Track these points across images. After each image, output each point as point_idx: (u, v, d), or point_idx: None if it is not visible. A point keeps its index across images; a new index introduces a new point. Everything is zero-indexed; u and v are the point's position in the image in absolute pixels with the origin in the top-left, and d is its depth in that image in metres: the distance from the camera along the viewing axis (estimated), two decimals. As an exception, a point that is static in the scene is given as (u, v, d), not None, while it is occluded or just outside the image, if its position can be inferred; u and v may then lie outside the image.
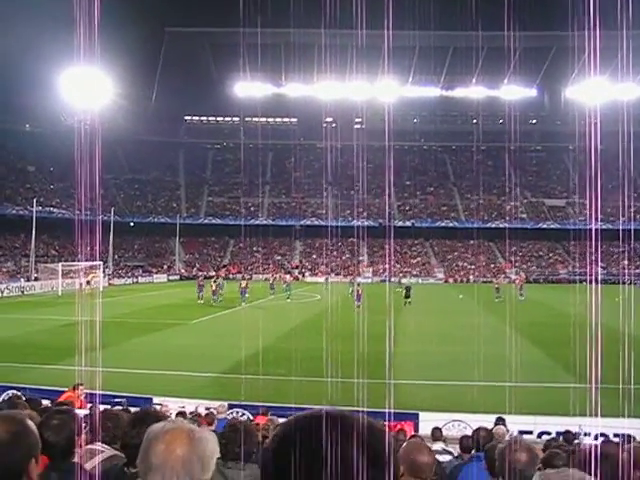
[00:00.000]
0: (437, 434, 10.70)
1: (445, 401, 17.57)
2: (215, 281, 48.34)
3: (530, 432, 14.52)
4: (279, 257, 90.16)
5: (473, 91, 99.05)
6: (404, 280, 66.92)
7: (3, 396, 14.81)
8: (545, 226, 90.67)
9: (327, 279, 62.95)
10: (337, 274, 77.84)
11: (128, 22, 64.13)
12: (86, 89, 69.03)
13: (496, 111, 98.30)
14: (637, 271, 78.57)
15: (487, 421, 11.35)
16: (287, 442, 1.33)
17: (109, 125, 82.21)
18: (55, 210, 76.43)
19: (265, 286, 55.46)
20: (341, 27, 41.43)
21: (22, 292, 55.05)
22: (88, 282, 53.08)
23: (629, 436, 10.28)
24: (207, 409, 13.11)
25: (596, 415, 12.58)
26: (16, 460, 2.19)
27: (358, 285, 45.46)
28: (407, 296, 44.32)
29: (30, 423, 2.36)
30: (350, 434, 1.26)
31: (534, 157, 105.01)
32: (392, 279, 71.32)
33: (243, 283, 46.40)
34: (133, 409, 9.95)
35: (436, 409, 15.98)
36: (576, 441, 10.85)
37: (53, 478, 3.13)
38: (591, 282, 60.63)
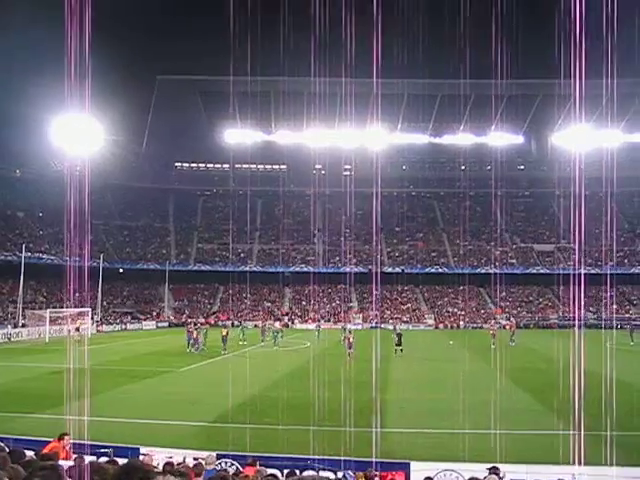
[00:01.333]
0: (429, 484, 10.54)
1: (437, 450, 17.34)
2: (197, 329, 47.81)
3: (523, 481, 14.32)
4: (269, 304, 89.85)
5: (461, 138, 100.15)
6: (396, 326, 66.75)
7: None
8: (534, 271, 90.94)
9: (319, 326, 62.60)
10: (327, 320, 77.64)
11: (120, 69, 64.95)
12: (77, 135, 69.53)
13: (484, 157, 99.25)
14: (627, 315, 78.78)
15: (480, 470, 11.18)
16: None
17: (99, 171, 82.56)
18: (44, 256, 76.16)
19: (256, 333, 55.17)
20: (330, 75, 42.02)
21: (9, 339, 54.42)
22: (77, 329, 52.62)
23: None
24: (195, 459, 12.87)
25: (590, 464, 12.47)
26: None
27: (349, 332, 44.55)
28: (399, 344, 42.41)
29: None
30: None
31: (522, 202, 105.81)
32: (383, 325, 71.03)
33: (224, 331, 45.51)
34: (120, 460, 9.77)
35: (428, 458, 15.77)
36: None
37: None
38: (580, 327, 60.60)
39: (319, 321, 69.46)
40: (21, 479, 3.36)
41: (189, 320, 62.92)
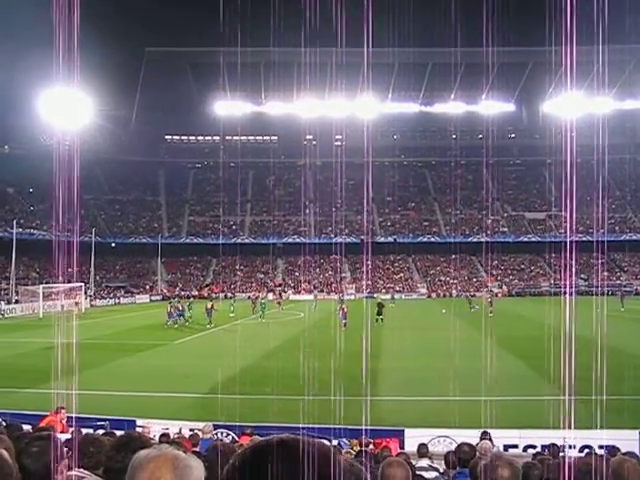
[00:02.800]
0: (423, 450, 10.65)
1: (431, 417, 17.53)
2: (170, 302, 47.53)
3: (515, 446, 14.52)
4: (261, 275, 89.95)
5: (452, 106, 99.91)
6: (383, 297, 66.91)
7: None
8: (526, 239, 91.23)
9: (316, 296, 62.69)
10: (320, 291, 77.84)
11: (108, 42, 64.21)
12: (66, 110, 68.86)
13: (475, 126, 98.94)
14: (617, 282, 79.27)
15: (473, 436, 11.33)
16: (240, 472, 1.36)
17: (89, 145, 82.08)
18: (35, 232, 75.91)
19: (248, 305, 55.26)
20: (320, 45, 41.69)
21: (2, 315, 54.46)
22: (76, 303, 52.63)
23: (614, 447, 10.33)
24: (191, 430, 13.01)
25: (581, 427, 12.64)
26: None
27: (343, 303, 44.69)
28: (379, 313, 42.76)
29: (4, 452, 2.33)
30: (299, 461, 1.30)
31: (513, 171, 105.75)
32: (376, 295, 71.22)
33: (209, 304, 44.89)
34: (117, 432, 9.86)
35: (422, 425, 15.94)
36: (561, 454, 10.85)
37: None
38: (572, 294, 61.00)
39: (312, 292, 69.69)
40: (14, 450, 3.40)
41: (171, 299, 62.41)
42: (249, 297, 63.74)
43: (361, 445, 10.86)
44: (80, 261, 70.26)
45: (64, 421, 12.15)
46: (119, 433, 7.84)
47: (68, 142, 71.93)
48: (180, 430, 14.27)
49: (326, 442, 1.47)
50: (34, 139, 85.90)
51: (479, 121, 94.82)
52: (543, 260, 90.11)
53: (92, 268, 74.10)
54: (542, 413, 17.48)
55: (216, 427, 14.50)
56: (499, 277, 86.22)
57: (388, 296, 70.67)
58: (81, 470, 3.99)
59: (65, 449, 3.78)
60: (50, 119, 74.08)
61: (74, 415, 12.52)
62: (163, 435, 11.28)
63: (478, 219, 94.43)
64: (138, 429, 13.84)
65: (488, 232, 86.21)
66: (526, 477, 4.81)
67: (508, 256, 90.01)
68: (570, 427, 12.36)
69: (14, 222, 65.72)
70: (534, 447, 13.84)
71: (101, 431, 11.39)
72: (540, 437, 14.31)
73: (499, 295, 63.00)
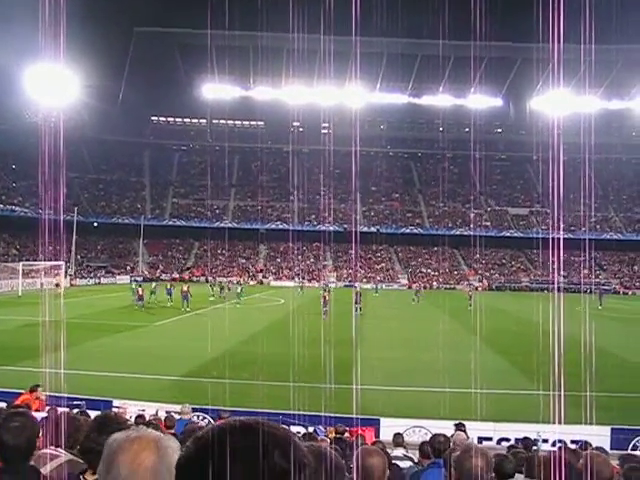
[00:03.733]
0: (398, 440, 10.73)
1: (406, 407, 17.65)
2: (139, 284, 47.38)
3: (490, 438, 14.70)
4: (244, 260, 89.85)
5: (440, 99, 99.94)
6: (365, 286, 67.08)
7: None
8: (508, 234, 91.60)
9: (302, 283, 62.75)
10: (302, 278, 77.91)
11: (97, 20, 63.61)
12: (51, 86, 68.21)
13: (462, 119, 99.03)
14: (596, 280, 79.92)
15: (448, 427, 11.42)
16: (196, 456, 1.34)
17: (74, 123, 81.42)
18: (17, 209, 75.27)
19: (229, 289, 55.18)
20: (310, 32, 41.57)
21: (-20, 291, 54.13)
22: (57, 285, 52.22)
23: (586, 442, 10.45)
24: (167, 412, 13.01)
25: (555, 422, 12.78)
26: None
27: (326, 291, 44.52)
28: (356, 302, 42.17)
29: None
30: (256, 445, 1.30)
31: (499, 166, 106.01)
32: (357, 284, 71.42)
33: (185, 287, 44.48)
34: (92, 412, 9.85)
35: (397, 415, 16.05)
36: (534, 447, 10.98)
37: (5, 480, 3.09)
38: (552, 290, 61.44)
39: (294, 279, 69.79)
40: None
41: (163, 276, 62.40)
42: (230, 281, 63.83)
43: (337, 433, 10.92)
44: (61, 240, 69.85)
45: (42, 398, 12.12)
46: (94, 413, 7.83)
47: (53, 119, 71.21)
48: (157, 412, 14.27)
49: (284, 426, 1.44)
50: (18, 115, 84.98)
51: (466, 115, 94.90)
52: (524, 255, 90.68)
53: (73, 247, 73.65)
54: (517, 407, 17.73)
55: (193, 410, 14.54)
56: (480, 271, 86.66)
57: (369, 285, 70.97)
58: (57, 449, 3.99)
59: (41, 427, 3.78)
60: (35, 95, 73.39)
61: (50, 394, 12.49)
62: (139, 417, 11.28)
63: (462, 212, 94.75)
64: (114, 409, 13.82)
65: (471, 226, 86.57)
66: (499, 469, 4.86)
67: (490, 250, 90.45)
68: (544, 422, 12.51)
69: (-5, 198, 65.18)
70: (508, 440, 13.99)
71: (76, 410, 11.37)
72: (514, 430, 14.47)
73: (479, 289, 63.38)
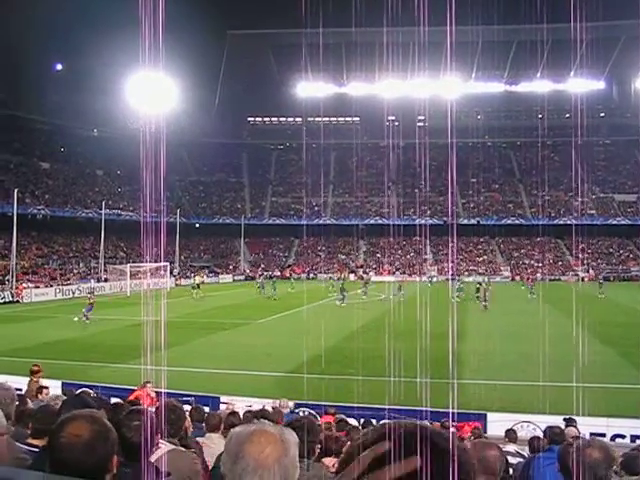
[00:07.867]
0: (512, 436, 10.51)
1: (513, 402, 17.26)
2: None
3: (603, 435, 14.07)
4: (343, 256, 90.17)
5: (538, 85, 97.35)
6: (466, 279, 66.02)
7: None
8: (615, 222, 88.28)
9: (431, 278, 63.28)
10: (402, 273, 77.47)
11: (191, 26, 65.08)
12: (151, 93, 70.39)
13: (562, 105, 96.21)
14: None
15: (556, 422, 11.07)
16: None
17: (174, 128, 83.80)
18: (123, 213, 78.05)
19: (329, 285, 55.32)
20: (402, 24, 41.19)
21: (92, 293, 56.19)
22: (198, 285, 52.81)
23: None
24: (273, 408, 13.15)
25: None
26: (101, 457, 2.34)
27: (485, 284, 45.89)
28: (484, 298, 43.53)
29: (108, 422, 2.45)
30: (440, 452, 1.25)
31: (603, 151, 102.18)
32: (458, 278, 70.42)
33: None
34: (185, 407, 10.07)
35: (504, 410, 15.71)
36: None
37: (127, 474, 3.16)
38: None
39: (398, 274, 69.39)
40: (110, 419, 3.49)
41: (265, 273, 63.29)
42: (330, 278, 64.08)
43: (443, 428, 10.77)
44: (165, 241, 71.91)
45: (152, 394, 12.47)
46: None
47: (153, 125, 73.54)
48: (263, 407, 14.45)
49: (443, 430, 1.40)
50: (121, 123, 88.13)
51: (566, 100, 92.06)
52: (633, 244, 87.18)
53: (177, 248, 75.77)
54: (633, 402, 16.93)
55: (297, 405, 14.65)
56: (586, 261, 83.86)
57: (471, 278, 69.82)
58: (167, 441, 4.08)
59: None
60: (136, 103, 76.03)
61: (160, 390, 12.84)
62: (248, 412, 11.44)
63: (565, 201, 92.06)
64: (222, 406, 14.11)
65: (575, 214, 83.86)
66: (627, 466, 4.63)
67: (596, 239, 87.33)
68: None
69: (103, 203, 67.68)
70: (623, 437, 13.42)
71: (187, 407, 11.63)
72: (630, 427, 13.86)
73: (585, 279, 61.37)
